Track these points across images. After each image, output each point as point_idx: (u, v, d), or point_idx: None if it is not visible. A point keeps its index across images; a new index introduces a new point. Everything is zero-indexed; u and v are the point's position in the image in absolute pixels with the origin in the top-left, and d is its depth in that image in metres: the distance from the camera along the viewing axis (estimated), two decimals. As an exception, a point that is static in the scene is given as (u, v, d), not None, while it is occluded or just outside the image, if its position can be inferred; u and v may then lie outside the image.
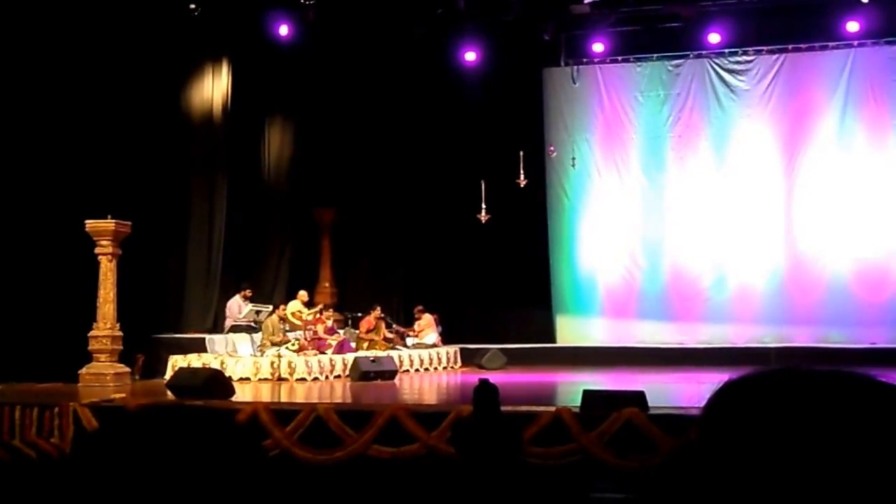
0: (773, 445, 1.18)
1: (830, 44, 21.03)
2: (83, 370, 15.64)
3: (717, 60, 21.69)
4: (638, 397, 10.77)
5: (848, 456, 1.15)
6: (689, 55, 21.80)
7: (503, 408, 9.25)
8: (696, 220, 21.53)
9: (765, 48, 21.42)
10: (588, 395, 11.08)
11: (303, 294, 20.01)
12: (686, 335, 20.96)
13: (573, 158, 21.75)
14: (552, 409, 10.86)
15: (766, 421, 1.20)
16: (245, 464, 1.17)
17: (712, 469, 1.21)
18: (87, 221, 15.72)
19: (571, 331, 22.23)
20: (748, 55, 21.56)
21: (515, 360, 20.12)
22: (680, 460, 1.26)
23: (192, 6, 18.01)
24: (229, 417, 1.24)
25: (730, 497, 1.18)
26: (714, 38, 21.05)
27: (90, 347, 15.78)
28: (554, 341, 22.06)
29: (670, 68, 21.98)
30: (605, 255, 22.14)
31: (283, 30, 20.19)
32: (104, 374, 15.53)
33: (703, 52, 21.60)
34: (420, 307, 20.90)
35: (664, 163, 21.91)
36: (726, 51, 21.49)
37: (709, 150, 21.65)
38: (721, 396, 1.28)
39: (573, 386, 14.45)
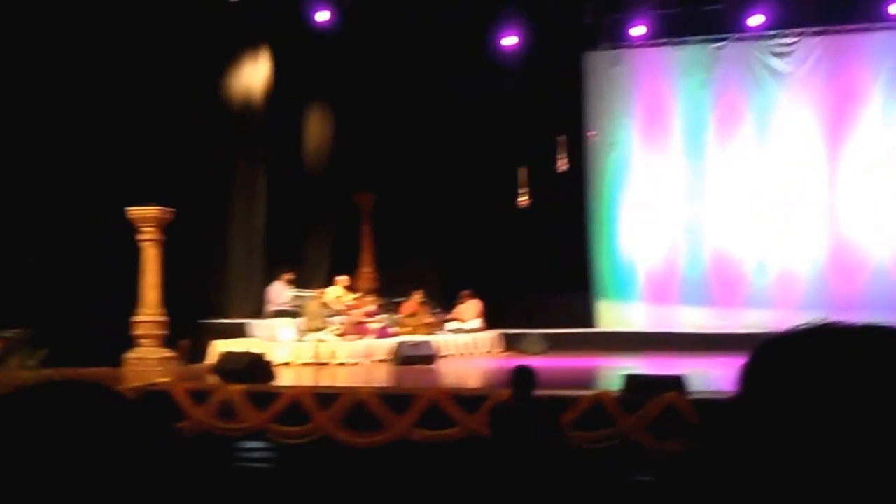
0: (813, 401, 1.18)
1: (875, 25, 20.86)
2: (128, 355, 15.86)
3: (759, 43, 21.54)
4: (678, 382, 10.83)
5: (888, 407, 1.16)
6: (730, 38, 21.66)
7: (544, 392, 9.36)
8: (737, 204, 21.43)
9: (808, 30, 21.25)
10: (628, 380, 11.15)
11: (343, 279, 20.15)
12: (727, 320, 20.88)
13: (613, 142, 21.74)
14: (592, 393, 10.93)
15: (805, 377, 1.21)
16: (136, 438, 1.12)
17: (752, 428, 1.22)
18: (130, 208, 15.92)
19: (612, 315, 22.24)
20: (791, 37, 21.41)
21: (556, 344, 20.18)
22: (719, 423, 1.27)
23: (232, -7, 18.16)
24: (114, 391, 1.22)
25: (772, 455, 1.19)
26: (756, 20, 20.89)
27: (135, 332, 15.99)
28: (594, 326, 22.09)
29: (711, 51, 21.86)
30: (646, 240, 22.11)
31: (323, 16, 20.30)
32: (149, 359, 15.73)
33: (745, 34, 21.43)
34: (467, 292, 20.94)
35: (705, 147, 21.82)
36: (768, 33, 21.32)
37: (751, 133, 21.54)
38: (758, 356, 1.30)
39: (613, 370, 14.51)
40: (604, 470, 10.30)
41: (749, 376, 1.29)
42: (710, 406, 10.07)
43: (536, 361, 18.29)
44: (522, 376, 8.70)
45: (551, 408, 9.10)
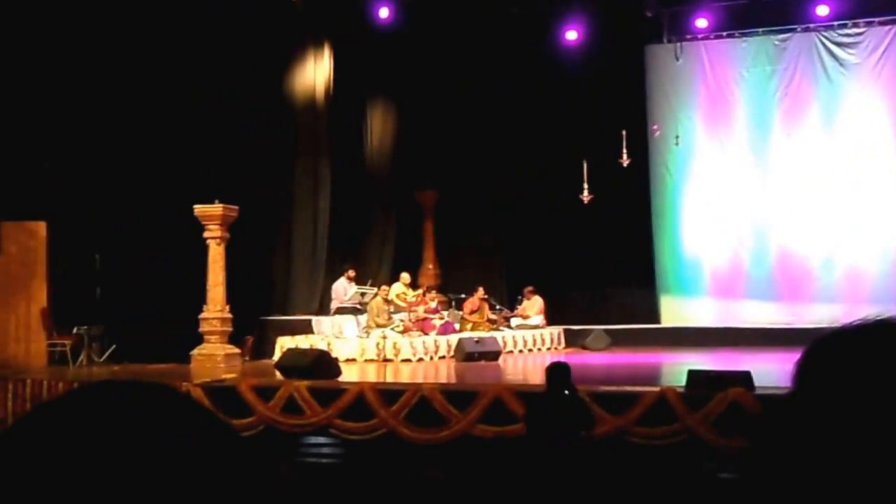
0: (867, 399, 1.16)
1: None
2: (195, 351, 16.06)
3: (825, 33, 21.23)
4: (744, 377, 10.73)
5: None
6: (796, 29, 21.38)
7: (605, 388, 9.34)
8: (804, 198, 21.12)
9: (875, 20, 20.93)
10: (693, 375, 11.07)
11: (405, 276, 20.21)
12: (794, 315, 20.60)
13: (677, 136, 21.54)
14: (657, 388, 10.87)
15: (859, 373, 1.19)
16: (202, 439, 1.11)
17: (806, 426, 1.20)
18: (195, 206, 16.11)
19: (676, 311, 22.07)
20: (858, 27, 21.08)
21: (619, 340, 20.09)
22: (776, 419, 1.25)
23: (294, -8, 18.28)
24: (174, 390, 1.22)
25: (825, 454, 1.16)
26: (822, 10, 20.59)
27: (201, 329, 16.20)
28: (658, 321, 21.95)
29: (776, 42, 21.59)
30: (710, 234, 21.89)
31: (384, 12, 20.36)
32: (215, 355, 15.92)
33: (811, 24, 21.15)
34: (530, 288, 20.88)
35: (770, 140, 21.55)
36: (835, 23, 21.02)
37: (817, 125, 21.23)
38: (812, 352, 1.27)
39: (678, 366, 14.42)
40: (669, 466, 10.24)
41: (803, 373, 1.27)
42: (777, 402, 9.96)
43: (600, 357, 18.33)
44: (557, 372, 8.68)
45: (583, 403, 9.08)
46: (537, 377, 15.75)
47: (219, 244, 16.27)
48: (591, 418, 9.09)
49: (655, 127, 21.91)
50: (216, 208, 16.07)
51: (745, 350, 17.76)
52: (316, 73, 20.41)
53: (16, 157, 16.02)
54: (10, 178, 15.86)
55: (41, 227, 16.31)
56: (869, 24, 21.00)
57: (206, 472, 1.08)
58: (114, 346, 16.10)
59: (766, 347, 18.11)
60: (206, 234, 16.27)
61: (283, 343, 16.90)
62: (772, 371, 13.56)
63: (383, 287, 19.14)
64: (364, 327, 17.95)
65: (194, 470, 1.07)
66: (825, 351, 1.25)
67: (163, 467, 1.06)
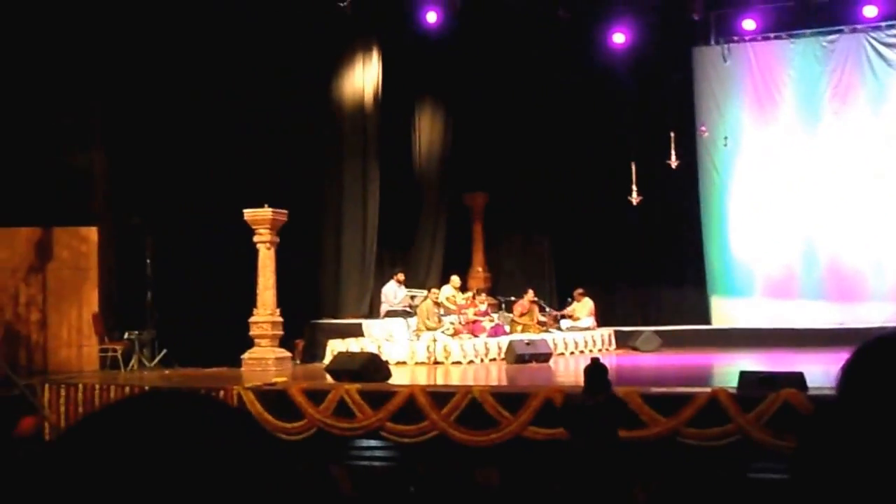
0: None
1: None
2: (246, 355, 16.13)
3: (873, 34, 20.96)
4: (796, 378, 10.61)
5: None
6: (843, 30, 21.13)
7: (658, 389, 9.26)
8: (854, 198, 20.85)
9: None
10: (745, 376, 10.97)
11: (455, 279, 20.19)
12: (846, 316, 20.37)
13: (725, 138, 21.37)
14: (708, 390, 10.78)
15: None
16: (249, 450, 1.12)
17: (852, 428, 1.21)
18: (245, 211, 16.18)
19: (726, 311, 21.91)
20: (906, 27, 20.86)
21: (670, 341, 19.97)
22: (823, 421, 1.27)
23: (342, -4, 18.31)
24: (216, 401, 1.21)
25: (871, 456, 1.17)
26: (870, 10, 20.30)
27: (251, 333, 16.26)
28: (709, 322, 21.80)
29: (825, 44, 21.35)
30: (760, 235, 21.70)
31: (432, 17, 20.37)
32: (266, 359, 15.98)
33: (859, 25, 20.89)
34: (580, 290, 20.78)
35: (819, 140, 21.32)
36: (883, 24, 20.73)
37: (867, 127, 20.96)
38: (858, 357, 1.27)
39: (729, 367, 14.33)
40: (722, 466, 10.15)
41: (849, 376, 1.26)
42: (824, 404, 9.84)
43: (651, 358, 18.23)
44: (595, 373, 8.62)
45: (619, 404, 9.01)
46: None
47: (269, 248, 16.34)
48: (619, 420, 8.96)
49: (703, 128, 21.76)
50: (266, 212, 16.14)
51: (797, 351, 17.58)
52: (365, 76, 20.45)
53: (67, 163, 16.18)
54: (62, 183, 16.03)
55: (92, 233, 16.47)
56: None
57: (248, 483, 1.09)
58: (165, 351, 16.20)
59: (817, 348, 17.88)
60: (256, 239, 16.35)
61: (334, 346, 16.95)
62: (824, 371, 13.41)
63: (433, 290, 19.14)
64: (414, 330, 17.95)
65: (237, 481, 1.08)
66: (870, 355, 1.27)
67: (206, 477, 1.07)
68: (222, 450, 1.10)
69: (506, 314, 20.02)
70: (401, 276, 19.40)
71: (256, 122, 17.49)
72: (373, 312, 19.57)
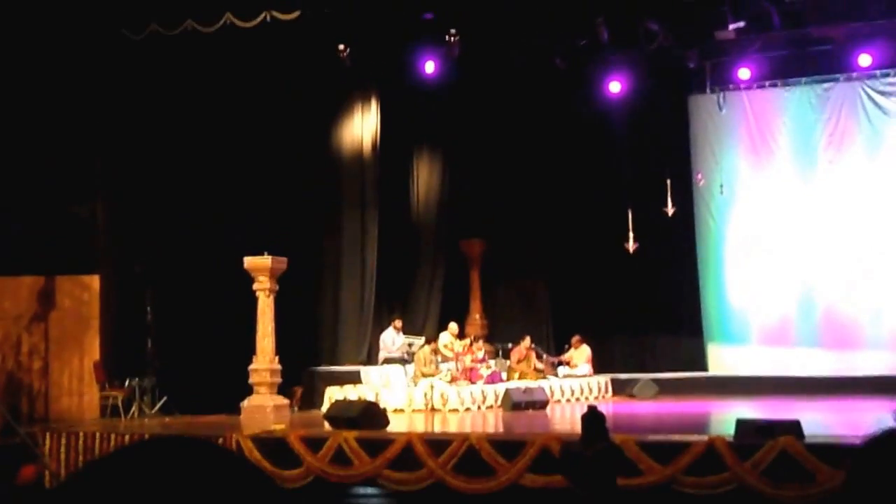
0: None
1: None
2: (244, 402, 16.12)
3: (868, 83, 21.08)
4: (794, 426, 10.61)
5: None
6: (839, 78, 21.26)
7: (654, 437, 9.24)
8: (851, 246, 20.88)
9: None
10: (742, 424, 10.96)
11: (453, 326, 20.17)
12: (842, 364, 20.36)
13: (721, 185, 21.46)
14: (705, 438, 10.77)
15: None
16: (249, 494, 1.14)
17: None
18: (245, 258, 16.23)
19: (723, 359, 21.88)
20: (899, 76, 20.99)
21: (667, 388, 19.96)
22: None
23: (341, 47, 18.42)
24: (217, 446, 1.23)
25: None
26: (865, 59, 20.36)
27: (251, 380, 16.27)
28: (705, 369, 21.77)
29: (820, 92, 21.47)
30: (757, 282, 21.70)
31: (430, 66, 20.49)
32: (264, 406, 15.97)
33: (854, 74, 21.02)
34: (577, 337, 20.77)
35: (815, 187, 21.38)
36: (878, 72, 20.88)
37: (863, 174, 21.03)
38: (868, 450, 1.30)
39: (726, 415, 14.33)
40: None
41: (857, 468, 1.27)
42: (828, 451, 9.85)
43: (648, 406, 18.20)
44: (592, 421, 8.61)
45: (616, 452, 8.99)
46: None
47: (268, 296, 16.38)
48: (616, 468, 8.95)
49: (700, 176, 21.86)
50: (265, 260, 16.19)
51: (794, 398, 17.56)
52: (364, 125, 20.57)
53: (70, 213, 16.25)
54: (65, 232, 16.09)
55: (94, 281, 16.50)
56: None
57: None
58: (165, 398, 16.20)
59: (814, 396, 17.93)
60: (255, 286, 16.39)
61: (332, 393, 16.93)
62: (821, 420, 13.42)
63: (431, 337, 19.15)
64: (412, 377, 17.93)
65: None
66: (880, 451, 1.27)
67: None
68: (224, 495, 1.11)
69: (503, 361, 20.00)
70: (398, 323, 19.41)
71: (256, 171, 17.60)
72: (371, 359, 19.55)
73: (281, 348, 16.49)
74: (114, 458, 1.16)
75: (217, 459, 1.16)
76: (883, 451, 1.27)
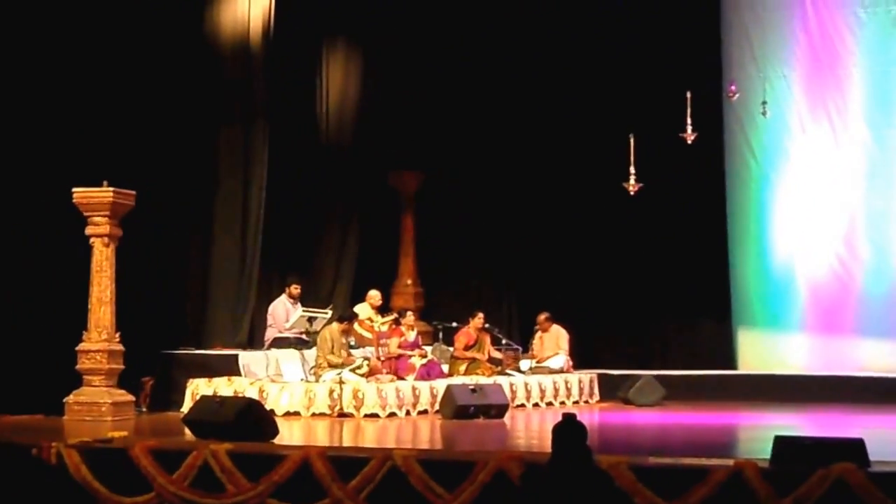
0: None
1: None
2: (70, 398, 16.03)
3: None
4: (854, 447, 10.74)
5: None
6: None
7: (657, 460, 9.31)
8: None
9: None
10: (782, 444, 11.08)
11: (374, 295, 20.20)
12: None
13: (764, 104, 21.47)
14: (730, 462, 10.89)
15: None
16: None
17: None
18: (75, 190, 16.08)
19: (759, 351, 22.09)
20: None
21: (677, 392, 20.09)
22: None
23: None
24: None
25: None
26: None
27: (79, 366, 16.14)
28: (734, 366, 21.99)
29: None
30: (811, 244, 21.84)
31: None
32: (98, 404, 15.89)
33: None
34: (545, 315, 20.72)
35: (894, 107, 21.55)
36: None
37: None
38: None
39: (760, 430, 14.49)
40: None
41: None
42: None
43: (649, 415, 18.36)
44: (567, 435, 8.68)
45: (604, 477, 9.07)
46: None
47: (107, 244, 16.23)
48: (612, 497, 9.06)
49: (733, 88, 21.87)
50: (104, 193, 16.03)
51: (857, 408, 17.80)
52: (251, 3, 20.39)
53: None
54: None
55: None
56: None
57: None
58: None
59: (885, 405, 18.15)
60: (88, 230, 16.24)
61: (196, 388, 16.93)
62: (893, 439, 13.59)
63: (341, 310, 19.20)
64: (312, 367, 17.95)
65: None
66: None
67: None
68: None
69: (444, 347, 20.08)
70: (295, 290, 19.39)
71: (97, 67, 17.37)
72: (254, 341, 19.57)
73: (125, 322, 16.40)
74: None
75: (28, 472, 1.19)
76: None
